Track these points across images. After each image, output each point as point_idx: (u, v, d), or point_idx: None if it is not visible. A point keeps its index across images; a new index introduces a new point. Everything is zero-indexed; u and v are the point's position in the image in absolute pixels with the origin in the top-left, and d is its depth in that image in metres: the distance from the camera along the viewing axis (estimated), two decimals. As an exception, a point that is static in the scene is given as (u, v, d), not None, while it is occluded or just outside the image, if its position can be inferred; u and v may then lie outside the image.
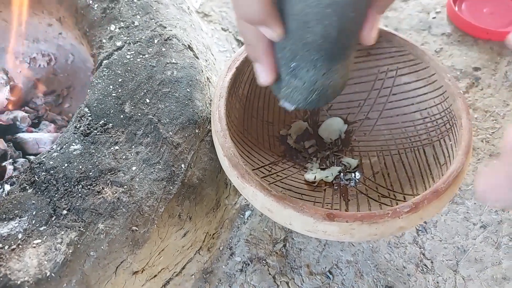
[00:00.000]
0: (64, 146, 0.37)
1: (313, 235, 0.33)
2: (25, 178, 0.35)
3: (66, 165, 0.35)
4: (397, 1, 0.72)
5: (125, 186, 0.35)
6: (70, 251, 0.31)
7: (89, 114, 0.39)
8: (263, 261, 0.44)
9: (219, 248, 0.45)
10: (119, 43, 0.44)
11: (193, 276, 0.43)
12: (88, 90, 0.41)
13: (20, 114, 0.53)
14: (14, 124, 0.52)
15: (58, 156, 0.36)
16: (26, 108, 0.56)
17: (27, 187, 0.34)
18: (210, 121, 0.42)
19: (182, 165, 0.38)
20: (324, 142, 0.46)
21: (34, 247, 0.31)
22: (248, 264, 0.44)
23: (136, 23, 0.46)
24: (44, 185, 0.34)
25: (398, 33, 0.41)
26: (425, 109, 0.41)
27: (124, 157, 0.36)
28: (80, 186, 0.34)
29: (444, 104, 0.39)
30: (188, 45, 0.46)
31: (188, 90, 0.41)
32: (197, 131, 0.40)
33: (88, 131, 0.38)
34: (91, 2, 0.49)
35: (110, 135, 0.37)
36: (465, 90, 0.58)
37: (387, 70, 0.43)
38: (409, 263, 0.43)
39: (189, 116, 0.40)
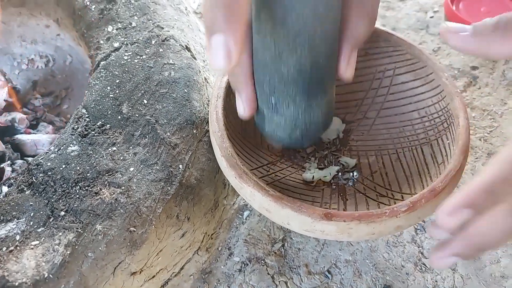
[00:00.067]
0: (61, 148, 0.37)
1: (311, 235, 0.33)
2: (22, 179, 0.35)
3: (63, 166, 0.35)
4: (394, 0, 0.72)
5: (123, 187, 0.35)
6: (68, 252, 0.31)
7: (86, 115, 0.39)
8: (262, 261, 0.44)
9: (218, 248, 0.45)
10: (116, 44, 0.44)
11: (192, 276, 0.43)
12: (86, 91, 0.41)
13: (18, 115, 0.53)
14: (12, 125, 0.52)
15: (55, 158, 0.36)
16: (24, 109, 0.56)
17: (25, 189, 0.34)
18: (208, 121, 0.42)
19: (180, 166, 0.38)
20: (322, 141, 0.46)
21: (32, 248, 0.31)
22: (247, 264, 0.44)
23: (134, 24, 0.46)
24: (41, 186, 0.34)
25: (396, 33, 0.41)
26: (423, 108, 0.41)
27: (121, 158, 0.36)
28: (78, 187, 0.34)
29: (442, 103, 0.39)
30: (186, 46, 0.46)
31: (185, 90, 0.41)
32: (194, 131, 0.40)
33: (85, 132, 0.38)
34: (88, 3, 0.49)
35: (108, 136, 0.37)
36: (463, 89, 0.58)
37: (385, 70, 0.43)
38: (407, 262, 0.43)
39: (187, 117, 0.40)
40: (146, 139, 0.37)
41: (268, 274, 0.43)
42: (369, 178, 0.42)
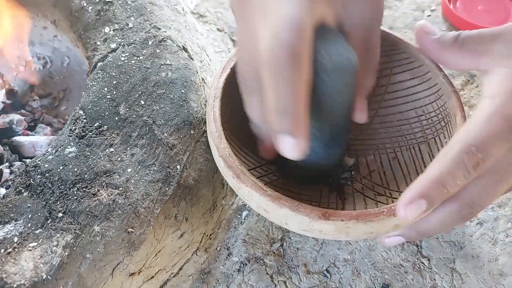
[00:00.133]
0: (59, 149, 0.37)
1: (309, 234, 0.33)
2: (20, 181, 0.35)
3: (61, 168, 0.35)
4: (392, -1, 0.72)
5: (121, 188, 0.35)
6: (66, 253, 0.31)
7: (84, 117, 0.39)
8: (261, 261, 0.44)
9: (217, 249, 0.45)
10: (113, 45, 0.44)
11: (191, 276, 0.43)
12: (83, 93, 0.41)
13: (16, 117, 0.53)
14: (10, 127, 0.52)
15: (53, 159, 0.36)
16: (22, 111, 0.56)
17: (23, 190, 0.34)
18: (205, 122, 0.42)
19: (178, 166, 0.38)
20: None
21: (30, 250, 0.31)
22: (246, 264, 0.44)
23: (131, 25, 0.46)
24: (39, 188, 0.34)
25: (393, 32, 0.41)
26: (420, 107, 0.41)
27: (119, 159, 0.36)
28: (76, 188, 0.34)
29: (439, 102, 0.39)
30: (183, 46, 0.46)
31: (183, 91, 0.41)
32: (192, 132, 0.40)
33: (83, 134, 0.38)
34: (85, 4, 0.49)
35: (105, 137, 0.37)
36: (460, 87, 0.58)
37: (382, 69, 0.43)
38: (406, 261, 0.43)
39: (184, 117, 0.40)
40: (143, 140, 0.37)
41: (267, 273, 0.43)
42: (367, 177, 0.42)
